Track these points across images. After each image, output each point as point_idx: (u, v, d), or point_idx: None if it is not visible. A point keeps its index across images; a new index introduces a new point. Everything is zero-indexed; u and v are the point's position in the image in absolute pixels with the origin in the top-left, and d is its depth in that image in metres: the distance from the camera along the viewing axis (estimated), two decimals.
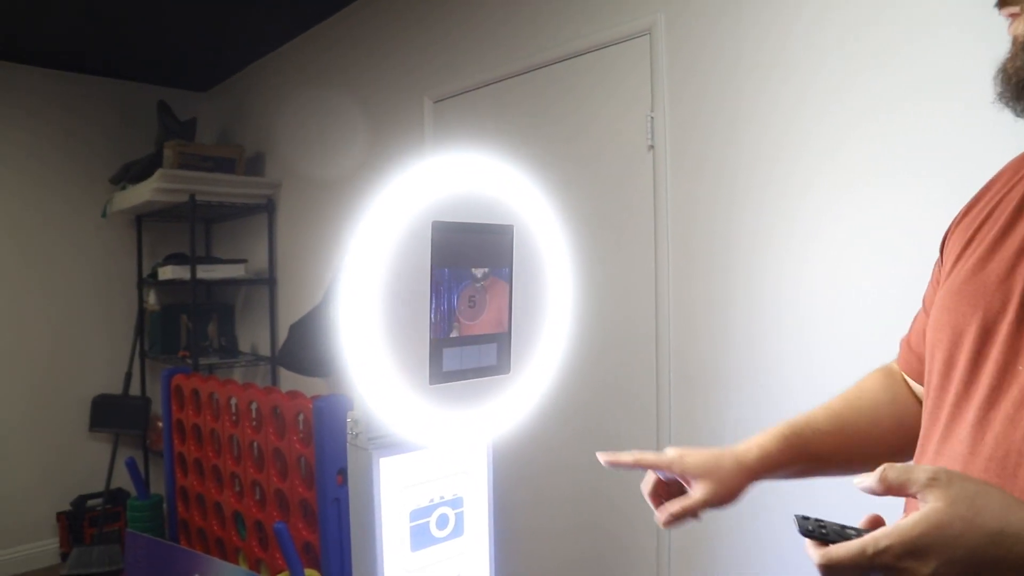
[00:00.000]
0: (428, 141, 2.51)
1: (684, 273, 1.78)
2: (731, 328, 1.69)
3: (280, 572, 1.78)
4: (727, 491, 0.80)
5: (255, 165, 3.55)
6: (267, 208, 3.41)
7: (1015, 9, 0.68)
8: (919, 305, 0.87)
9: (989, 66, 0.71)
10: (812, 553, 0.55)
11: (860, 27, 1.46)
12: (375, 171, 2.69)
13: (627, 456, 0.83)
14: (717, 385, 1.72)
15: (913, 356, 0.85)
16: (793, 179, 1.58)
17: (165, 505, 2.62)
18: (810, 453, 0.84)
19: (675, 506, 0.79)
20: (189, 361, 3.22)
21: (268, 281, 3.43)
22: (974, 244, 0.71)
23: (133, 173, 3.32)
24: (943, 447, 0.67)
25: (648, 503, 0.84)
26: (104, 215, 3.57)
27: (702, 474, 0.80)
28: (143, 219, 3.68)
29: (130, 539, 2.29)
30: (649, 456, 0.83)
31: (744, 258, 1.66)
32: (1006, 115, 0.71)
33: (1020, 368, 0.61)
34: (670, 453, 0.83)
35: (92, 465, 3.56)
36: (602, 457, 0.83)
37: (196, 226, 3.23)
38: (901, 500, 0.62)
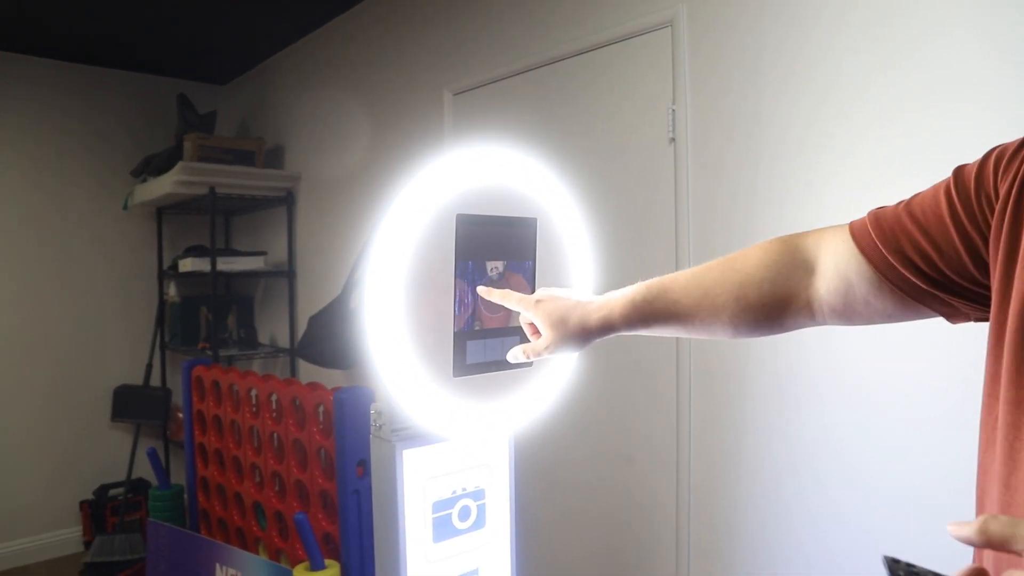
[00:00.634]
0: (448, 134, 2.51)
1: None
2: None
3: (300, 562, 1.79)
4: (568, 343, 0.90)
5: (274, 158, 3.57)
6: (286, 201, 3.43)
7: None
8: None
9: (1004, 69, 0.69)
10: None
11: (879, 26, 1.44)
12: (394, 164, 2.70)
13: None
14: (738, 378, 1.71)
15: (882, 233, 0.72)
16: (814, 175, 1.56)
17: (185, 495, 2.66)
18: (658, 319, 0.85)
19: (517, 350, 0.95)
20: (209, 353, 3.25)
21: (287, 273, 3.46)
22: None
23: (154, 166, 3.36)
24: (1012, 479, 0.56)
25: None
26: (125, 208, 3.62)
27: (551, 324, 0.90)
28: (163, 211, 3.72)
29: (152, 528, 2.33)
30: (514, 296, 0.94)
31: None
32: (1021, 115, 0.69)
33: None
34: (537, 294, 0.94)
35: (114, 455, 3.62)
36: None
37: (216, 218, 3.26)
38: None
